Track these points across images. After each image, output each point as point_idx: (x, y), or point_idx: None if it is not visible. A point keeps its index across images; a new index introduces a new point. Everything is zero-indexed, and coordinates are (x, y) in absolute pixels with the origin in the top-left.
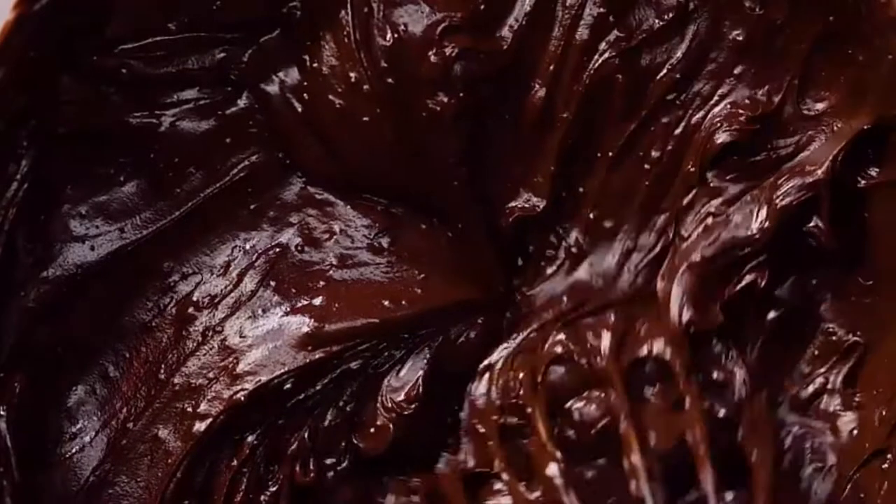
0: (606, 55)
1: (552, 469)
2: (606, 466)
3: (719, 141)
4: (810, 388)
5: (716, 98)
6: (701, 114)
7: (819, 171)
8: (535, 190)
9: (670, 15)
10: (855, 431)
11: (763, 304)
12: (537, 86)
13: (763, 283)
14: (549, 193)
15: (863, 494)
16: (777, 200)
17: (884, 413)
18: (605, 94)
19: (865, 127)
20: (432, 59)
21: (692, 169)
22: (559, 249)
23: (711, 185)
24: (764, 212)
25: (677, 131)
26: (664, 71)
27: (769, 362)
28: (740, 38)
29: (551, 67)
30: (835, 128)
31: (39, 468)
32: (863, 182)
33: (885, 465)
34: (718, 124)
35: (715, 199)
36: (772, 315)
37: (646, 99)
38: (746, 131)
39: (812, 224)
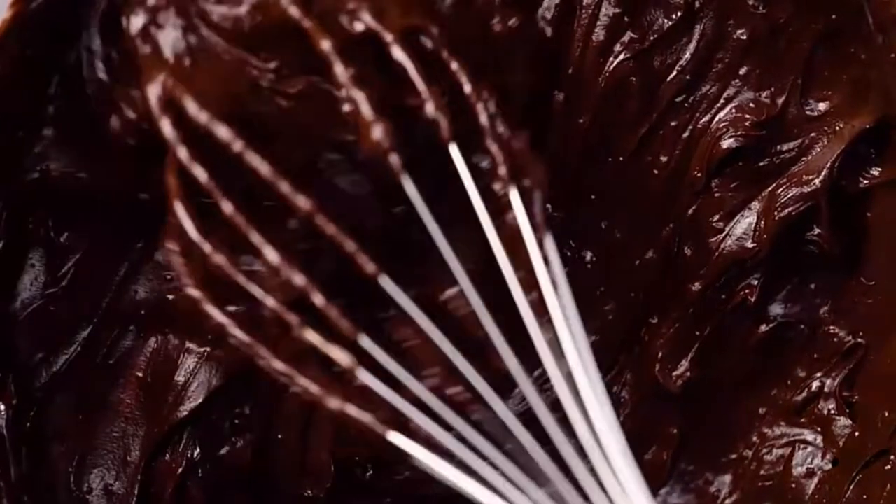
0: (621, 57)
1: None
2: None
3: (725, 146)
4: (804, 394)
5: (721, 101)
6: (707, 117)
7: (817, 181)
8: (553, 201)
9: (678, 14)
10: (854, 434)
11: (752, 321)
12: (556, 90)
13: (753, 300)
14: (567, 203)
15: (865, 496)
16: (776, 212)
17: (886, 414)
18: (620, 97)
19: (867, 126)
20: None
21: (698, 174)
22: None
23: (716, 195)
24: (763, 224)
25: (685, 135)
26: (674, 73)
27: (754, 374)
28: (744, 38)
29: (570, 70)
30: (836, 128)
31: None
32: (865, 182)
33: (888, 467)
34: (724, 129)
35: (717, 213)
36: (762, 329)
37: (657, 101)
38: (752, 137)
39: (813, 232)
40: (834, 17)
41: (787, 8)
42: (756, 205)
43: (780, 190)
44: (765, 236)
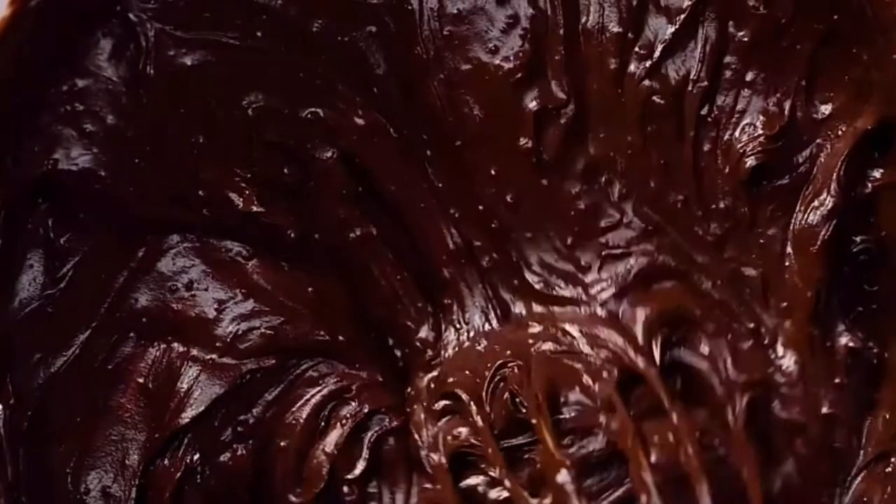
0: (636, 76)
1: (563, 476)
2: (614, 478)
3: (748, 165)
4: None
5: (736, 115)
6: (727, 133)
7: (831, 195)
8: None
9: (680, 18)
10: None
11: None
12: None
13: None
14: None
15: (865, 499)
16: (811, 246)
17: (887, 416)
18: (652, 119)
19: (868, 127)
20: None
21: (725, 203)
22: None
23: (758, 230)
24: (808, 265)
25: (719, 157)
26: (690, 84)
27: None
28: (746, 39)
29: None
30: (839, 132)
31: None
32: (869, 186)
33: (889, 469)
34: (742, 150)
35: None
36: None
37: (688, 118)
38: (770, 151)
39: (857, 241)
40: (835, 17)
41: (788, 8)
42: (789, 237)
43: (802, 217)
44: (817, 278)
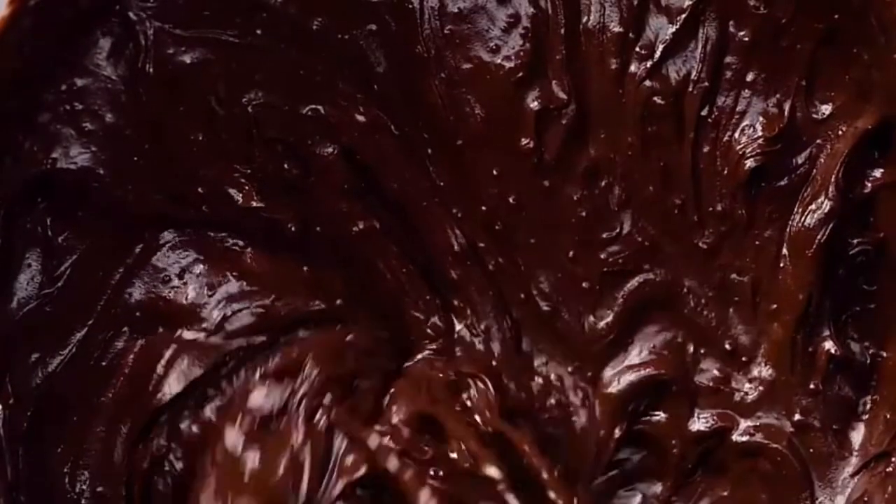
0: (637, 77)
1: None
2: None
3: (747, 167)
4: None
5: (736, 116)
6: (727, 135)
7: (829, 198)
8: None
9: (681, 18)
10: (859, 437)
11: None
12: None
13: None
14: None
15: (866, 498)
16: (807, 250)
17: (888, 416)
18: (652, 121)
19: (869, 127)
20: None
21: (723, 206)
22: None
23: (755, 232)
24: (806, 270)
25: (717, 160)
26: (691, 85)
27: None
28: (746, 39)
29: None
30: (840, 132)
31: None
32: (868, 186)
33: (890, 469)
34: (741, 151)
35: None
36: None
37: (688, 119)
38: (769, 153)
39: (853, 244)
40: (836, 17)
41: (789, 8)
42: (786, 240)
43: (800, 219)
44: (810, 281)
